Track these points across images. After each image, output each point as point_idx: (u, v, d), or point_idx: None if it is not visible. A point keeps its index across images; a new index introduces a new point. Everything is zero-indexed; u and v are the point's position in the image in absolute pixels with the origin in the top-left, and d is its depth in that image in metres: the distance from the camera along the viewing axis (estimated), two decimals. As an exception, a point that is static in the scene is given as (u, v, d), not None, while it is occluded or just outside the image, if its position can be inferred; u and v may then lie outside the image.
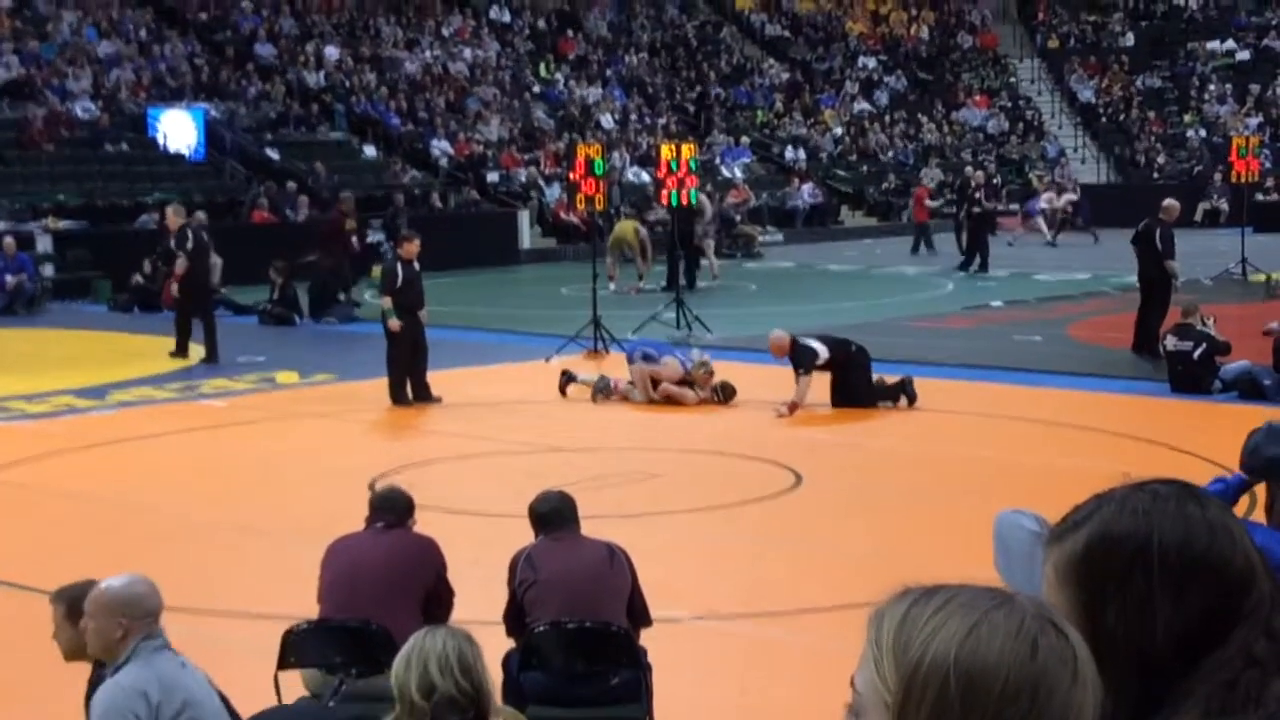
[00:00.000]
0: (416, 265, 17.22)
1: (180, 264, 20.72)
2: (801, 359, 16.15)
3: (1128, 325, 19.87)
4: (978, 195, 33.09)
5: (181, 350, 20.72)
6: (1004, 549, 3.30)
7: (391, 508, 7.67)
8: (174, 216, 21.68)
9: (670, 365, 17.08)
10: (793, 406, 15.99)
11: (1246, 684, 1.83)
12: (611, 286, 27.47)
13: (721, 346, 19.48)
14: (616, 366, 18.23)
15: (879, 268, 32.96)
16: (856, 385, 16.32)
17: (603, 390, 17.15)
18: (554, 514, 7.41)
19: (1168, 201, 20.42)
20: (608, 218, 29.19)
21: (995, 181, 39.16)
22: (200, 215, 28.62)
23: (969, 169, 38.21)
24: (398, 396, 16.76)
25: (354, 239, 26.49)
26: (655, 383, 16.98)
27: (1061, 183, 42.42)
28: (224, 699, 6.17)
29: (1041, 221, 39.50)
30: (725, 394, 16.85)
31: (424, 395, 16.86)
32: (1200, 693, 1.84)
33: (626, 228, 29.53)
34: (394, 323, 16.64)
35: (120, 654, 5.39)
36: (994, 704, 1.58)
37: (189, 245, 20.69)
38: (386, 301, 16.89)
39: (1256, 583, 1.91)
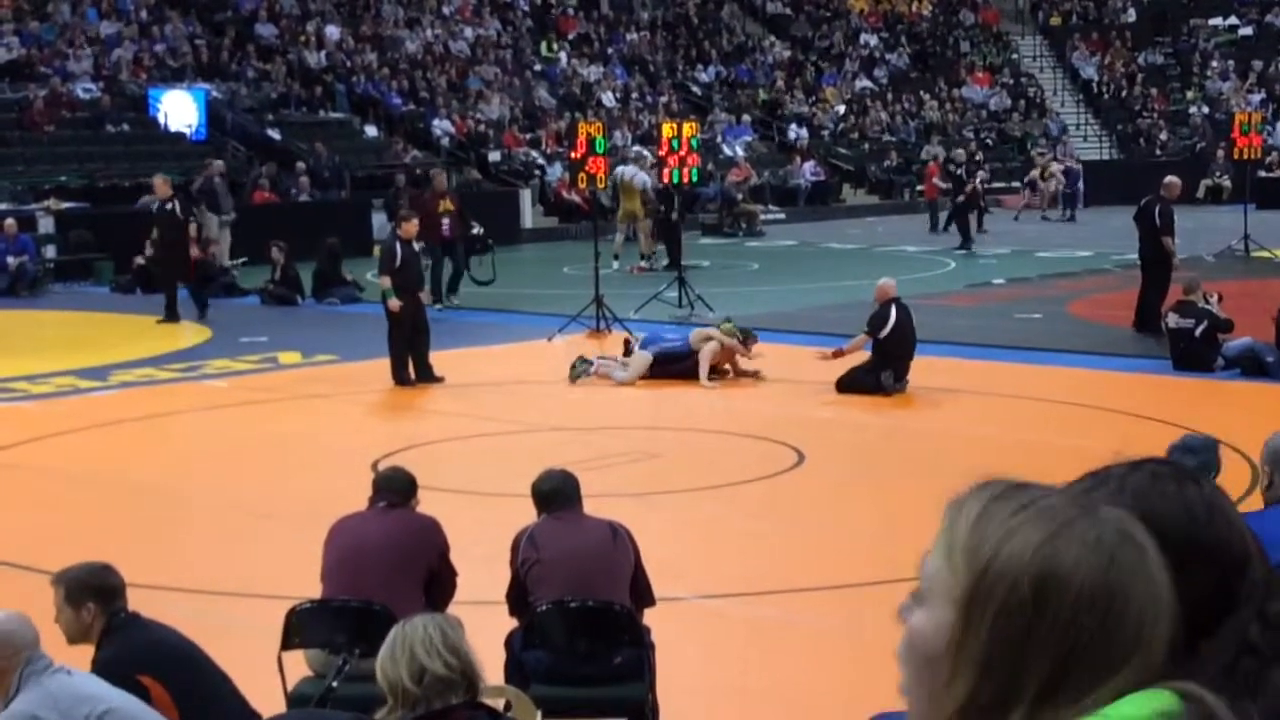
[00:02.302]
0: (416, 245, 17.25)
1: (156, 233, 22.41)
2: (874, 316, 16.13)
3: (1128, 303, 19.85)
4: (959, 173, 33.05)
5: (185, 310, 22.04)
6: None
7: (394, 488, 7.67)
8: (162, 185, 22.90)
9: (706, 337, 17.06)
10: (837, 352, 16.19)
11: (1244, 672, 1.81)
12: (615, 265, 27.45)
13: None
14: (618, 346, 18.21)
15: (881, 246, 32.89)
16: (861, 375, 16.11)
17: (582, 372, 17.02)
18: (556, 493, 7.41)
19: (1169, 179, 20.39)
20: (612, 190, 29.00)
21: (978, 158, 38.88)
22: (219, 164, 28.69)
23: (958, 149, 38.10)
24: (400, 377, 16.75)
25: (445, 222, 23.15)
26: (724, 363, 16.95)
27: (1040, 158, 42.23)
28: (225, 678, 6.19)
29: (1032, 195, 39.74)
30: (745, 336, 16.96)
31: (427, 375, 16.85)
32: (1198, 681, 1.83)
33: (635, 198, 29.30)
34: (393, 302, 16.63)
35: (9, 689, 5.26)
36: (1068, 609, 1.57)
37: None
38: (385, 281, 16.87)
39: (1252, 565, 1.90)
